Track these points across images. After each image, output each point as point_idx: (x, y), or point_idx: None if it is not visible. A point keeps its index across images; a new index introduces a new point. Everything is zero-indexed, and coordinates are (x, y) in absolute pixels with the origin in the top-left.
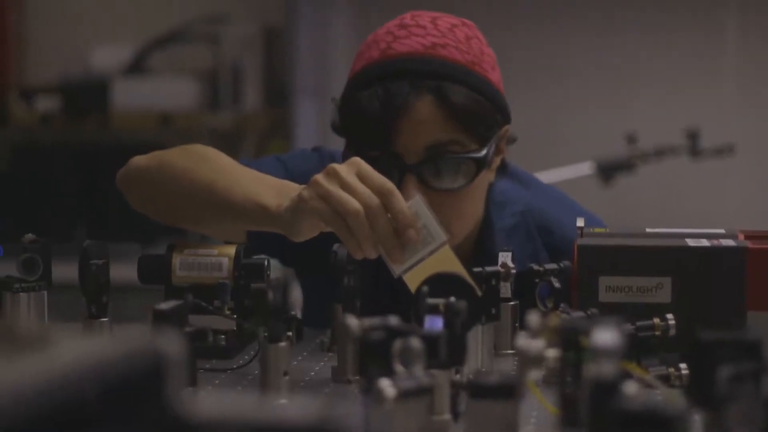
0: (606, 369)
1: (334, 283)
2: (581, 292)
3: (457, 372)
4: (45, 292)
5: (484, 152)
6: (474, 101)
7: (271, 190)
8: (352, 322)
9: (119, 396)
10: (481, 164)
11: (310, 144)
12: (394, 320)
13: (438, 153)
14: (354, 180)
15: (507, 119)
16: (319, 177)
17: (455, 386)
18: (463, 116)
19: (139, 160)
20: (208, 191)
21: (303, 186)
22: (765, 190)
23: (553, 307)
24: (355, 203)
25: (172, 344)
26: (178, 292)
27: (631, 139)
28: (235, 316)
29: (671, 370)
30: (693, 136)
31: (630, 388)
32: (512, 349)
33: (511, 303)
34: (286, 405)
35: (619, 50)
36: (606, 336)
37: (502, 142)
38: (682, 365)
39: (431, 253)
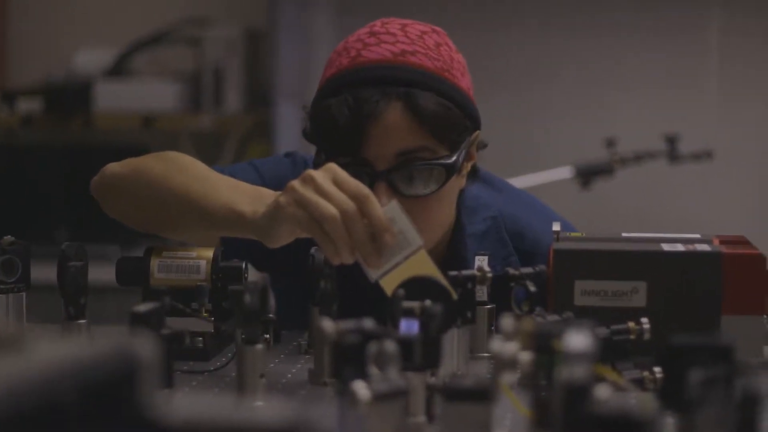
0: (578, 373)
1: (309, 285)
2: (557, 296)
3: (432, 374)
4: (24, 294)
5: (454, 158)
6: (443, 107)
7: (247, 197)
8: (328, 325)
9: (93, 398)
10: (451, 170)
11: (291, 146)
12: (369, 323)
13: (408, 159)
14: (330, 185)
15: (477, 125)
16: (295, 183)
17: (430, 389)
18: (433, 122)
19: (113, 167)
20: (183, 199)
21: (278, 192)
22: (743, 196)
23: (528, 311)
24: (331, 208)
25: (146, 347)
26: (156, 295)
27: (610, 144)
28: (212, 318)
29: (645, 373)
30: (672, 141)
31: (602, 391)
32: (488, 352)
33: (487, 306)
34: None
35: (598, 54)
36: (578, 340)
37: (472, 148)
38: (657, 369)
39: (407, 257)
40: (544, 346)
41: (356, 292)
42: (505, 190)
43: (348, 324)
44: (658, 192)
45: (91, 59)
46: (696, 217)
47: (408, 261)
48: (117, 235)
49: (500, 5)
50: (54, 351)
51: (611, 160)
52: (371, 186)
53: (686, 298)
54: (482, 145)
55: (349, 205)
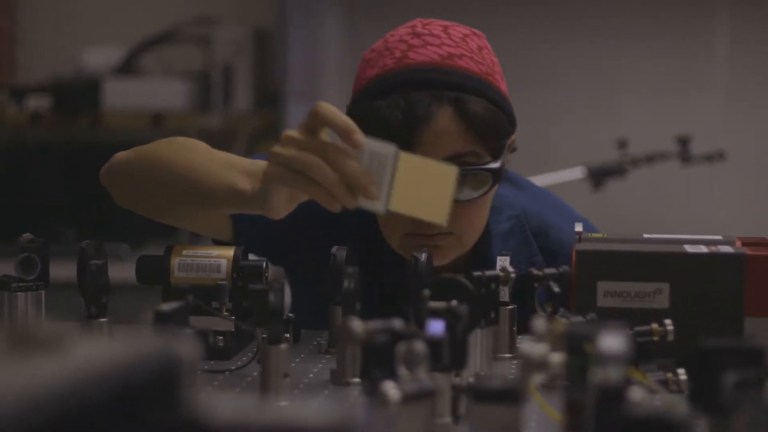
0: (612, 375)
1: (328, 285)
2: (579, 297)
3: (456, 375)
4: (42, 292)
5: (499, 164)
6: (491, 113)
7: (244, 174)
8: (357, 325)
9: (135, 400)
10: (497, 175)
11: None
12: (397, 323)
13: (456, 164)
14: (306, 136)
15: (514, 129)
16: (276, 147)
17: (456, 389)
18: (481, 128)
19: (120, 155)
20: (188, 180)
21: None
22: (753, 197)
23: (552, 312)
24: (311, 157)
25: (186, 347)
26: (179, 293)
27: (622, 145)
28: (233, 317)
29: (669, 375)
30: (684, 142)
31: (636, 393)
32: (510, 352)
33: (509, 307)
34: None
35: (610, 56)
36: (612, 342)
37: (508, 151)
38: (680, 370)
39: (393, 169)
40: (577, 348)
41: (372, 291)
42: (528, 189)
43: (377, 324)
44: (670, 193)
45: (99, 57)
46: (705, 218)
47: (398, 172)
48: (125, 233)
49: (511, 8)
50: (96, 352)
51: (623, 161)
52: None
53: (709, 300)
54: (514, 149)
55: (329, 146)
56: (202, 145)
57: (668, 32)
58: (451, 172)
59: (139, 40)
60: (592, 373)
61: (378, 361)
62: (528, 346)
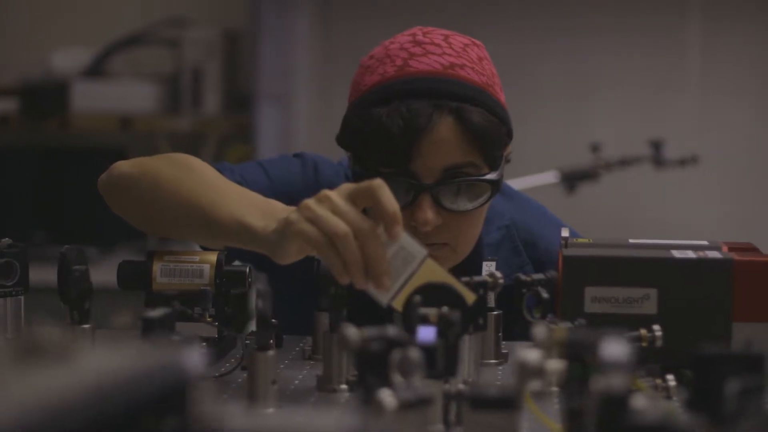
0: (616, 382)
1: (312, 291)
2: (567, 303)
3: (446, 382)
4: (22, 298)
5: (497, 175)
6: (491, 124)
7: (258, 211)
8: (352, 332)
9: (146, 411)
10: (495, 187)
11: (272, 149)
12: (392, 330)
13: (454, 174)
14: (344, 204)
15: (511, 139)
16: (310, 201)
17: (447, 396)
18: (481, 139)
19: (121, 165)
20: (192, 206)
21: (291, 208)
22: (726, 201)
23: (540, 318)
24: (343, 225)
25: (194, 358)
26: (160, 299)
27: (595, 149)
28: (216, 323)
29: (658, 381)
30: (657, 146)
31: (639, 401)
32: (495, 358)
33: (495, 313)
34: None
35: (583, 60)
36: (615, 349)
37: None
38: (669, 377)
39: (414, 271)
40: (577, 356)
41: (357, 297)
42: (516, 198)
43: (372, 331)
44: (641, 197)
45: (68, 59)
46: (678, 222)
47: (417, 274)
48: (94, 236)
49: (482, 10)
50: (104, 363)
51: (596, 165)
52: (415, 199)
53: (697, 306)
54: (508, 160)
55: (364, 222)
56: (208, 169)
57: (640, 36)
58: (469, 297)
59: (107, 42)
60: (594, 381)
61: (373, 369)
62: (524, 352)
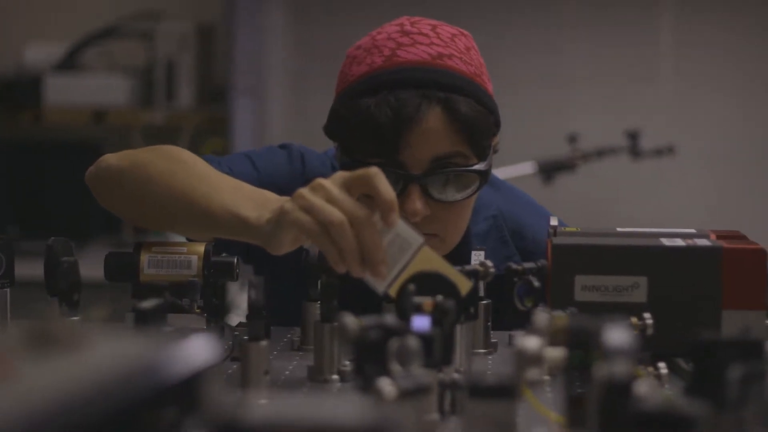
0: (620, 369)
1: (301, 281)
2: (557, 292)
3: (439, 371)
4: (8, 290)
5: (486, 165)
6: (479, 114)
7: (251, 202)
8: (351, 320)
9: (164, 400)
10: (484, 177)
11: (247, 142)
12: (390, 319)
13: (442, 165)
14: (340, 192)
15: (499, 129)
16: (304, 190)
17: (442, 385)
18: (470, 129)
19: (110, 158)
20: (184, 199)
21: (284, 198)
22: (701, 191)
23: (532, 306)
24: (338, 214)
25: (211, 346)
26: (147, 291)
27: (572, 140)
28: (204, 314)
29: (650, 369)
30: (633, 137)
31: (641, 388)
32: (485, 348)
33: (484, 302)
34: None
35: (560, 52)
36: (619, 335)
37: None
38: (661, 365)
39: (411, 259)
40: (579, 343)
41: (351, 289)
42: (503, 188)
43: (369, 320)
44: (617, 187)
45: (41, 53)
46: (655, 212)
47: (414, 262)
48: (69, 229)
49: (458, 3)
50: (121, 352)
51: (573, 155)
52: (404, 189)
53: (687, 293)
54: (496, 150)
55: (360, 210)
56: (198, 161)
57: (615, 27)
58: (465, 284)
59: (81, 36)
60: (597, 368)
61: (371, 358)
62: (522, 340)
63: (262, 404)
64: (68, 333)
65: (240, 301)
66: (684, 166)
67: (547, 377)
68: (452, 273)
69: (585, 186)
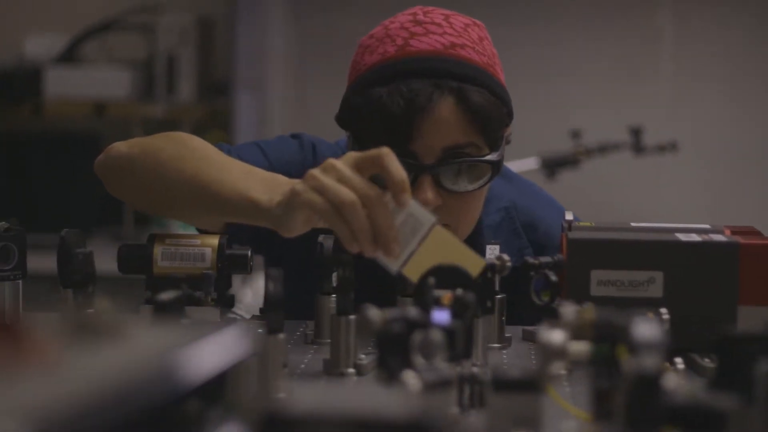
0: (649, 363)
1: (315, 275)
2: (573, 286)
3: (458, 365)
4: (20, 282)
5: (498, 156)
6: (492, 104)
7: (262, 185)
8: (374, 313)
9: (210, 390)
10: (496, 168)
11: (249, 135)
12: (413, 312)
13: (455, 155)
14: (351, 173)
15: (512, 120)
16: (315, 171)
17: (462, 379)
18: (482, 119)
19: (119, 146)
20: (195, 184)
21: (295, 180)
22: (704, 187)
23: (549, 301)
24: (350, 194)
25: (253, 335)
26: (161, 283)
27: (576, 135)
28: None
29: (666, 364)
30: (636, 133)
31: (670, 381)
32: (499, 342)
33: (499, 296)
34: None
35: (563, 47)
36: (648, 329)
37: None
38: (677, 359)
39: (423, 238)
40: (607, 336)
41: (362, 278)
42: (516, 180)
43: (393, 312)
44: (620, 183)
45: (42, 45)
46: (657, 207)
47: (426, 241)
48: (70, 222)
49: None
50: (160, 341)
51: (576, 151)
52: (415, 179)
53: (703, 289)
54: (508, 141)
55: (372, 189)
56: (208, 147)
57: (618, 22)
58: (478, 263)
59: (81, 28)
60: (626, 362)
61: (394, 351)
62: (547, 334)
63: (305, 394)
64: (113, 323)
65: (242, 295)
66: (687, 162)
67: (564, 372)
68: (465, 252)
69: (588, 181)
